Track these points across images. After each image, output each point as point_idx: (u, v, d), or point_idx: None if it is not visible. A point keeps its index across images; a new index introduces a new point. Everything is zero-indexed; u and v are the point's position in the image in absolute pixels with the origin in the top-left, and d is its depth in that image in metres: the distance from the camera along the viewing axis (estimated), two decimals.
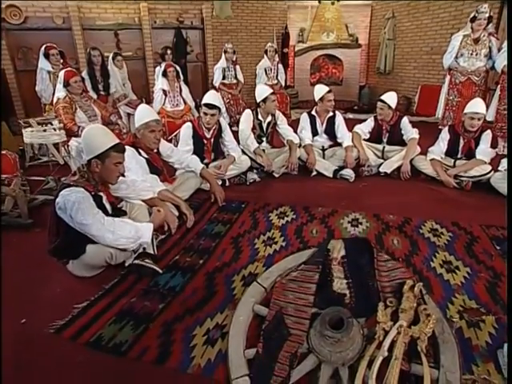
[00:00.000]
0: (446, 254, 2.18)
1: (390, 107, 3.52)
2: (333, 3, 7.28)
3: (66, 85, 3.45)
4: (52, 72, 4.16)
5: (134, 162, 2.47)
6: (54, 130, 3.15)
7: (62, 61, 4.29)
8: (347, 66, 8.03)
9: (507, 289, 1.23)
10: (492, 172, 3.10)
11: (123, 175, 2.35)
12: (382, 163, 3.58)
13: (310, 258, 1.50)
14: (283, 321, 1.33)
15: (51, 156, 3.36)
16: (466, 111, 3.17)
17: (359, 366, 1.11)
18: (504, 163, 3.05)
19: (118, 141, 1.92)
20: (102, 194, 1.92)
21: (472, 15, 4.09)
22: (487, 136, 3.18)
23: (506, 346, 1.42)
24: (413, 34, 7.06)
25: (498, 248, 2.24)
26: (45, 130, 3.15)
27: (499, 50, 4.02)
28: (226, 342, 1.43)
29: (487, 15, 3.95)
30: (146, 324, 1.65)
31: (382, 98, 3.56)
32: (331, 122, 3.72)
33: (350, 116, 6.53)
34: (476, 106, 3.10)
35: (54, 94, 3.85)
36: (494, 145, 3.24)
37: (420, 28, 6.86)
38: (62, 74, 3.52)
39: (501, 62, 3.95)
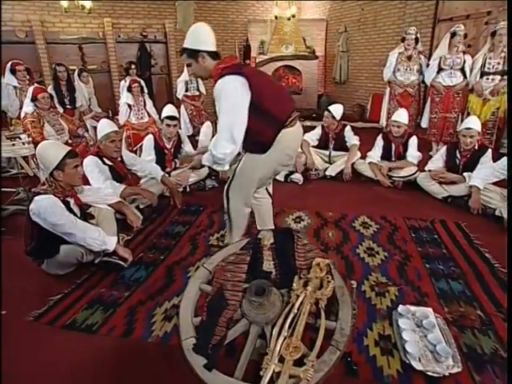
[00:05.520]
0: (370, 242, 2.62)
1: (333, 117, 3.98)
2: (289, 19, 7.80)
3: (34, 99, 3.68)
4: (18, 88, 4.34)
5: (96, 171, 2.77)
6: (23, 143, 3.36)
7: (28, 77, 4.47)
8: (306, 76, 8.52)
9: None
10: (418, 172, 3.61)
11: (89, 183, 2.66)
12: (328, 167, 4.03)
13: (244, 246, 1.88)
14: (223, 294, 1.68)
15: (20, 168, 3.56)
16: (390, 120, 3.69)
17: (277, 322, 1.47)
18: (429, 165, 3.54)
19: (68, 148, 2.16)
20: (69, 199, 2.20)
21: (402, 36, 4.68)
22: (414, 141, 3.70)
23: (400, 306, 1.85)
24: (363, 47, 7.68)
25: (413, 235, 2.71)
26: (14, 144, 3.35)
27: (427, 66, 4.61)
28: None
29: (414, 36, 4.55)
30: (113, 308, 1.96)
31: (329, 108, 4.03)
32: None
33: (308, 123, 7.00)
34: (397, 115, 3.63)
35: (20, 108, 4.06)
36: (427, 148, 3.75)
37: (369, 42, 7.50)
38: (31, 89, 3.76)
39: (429, 76, 4.55)
